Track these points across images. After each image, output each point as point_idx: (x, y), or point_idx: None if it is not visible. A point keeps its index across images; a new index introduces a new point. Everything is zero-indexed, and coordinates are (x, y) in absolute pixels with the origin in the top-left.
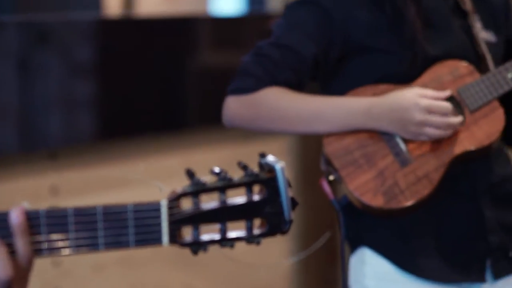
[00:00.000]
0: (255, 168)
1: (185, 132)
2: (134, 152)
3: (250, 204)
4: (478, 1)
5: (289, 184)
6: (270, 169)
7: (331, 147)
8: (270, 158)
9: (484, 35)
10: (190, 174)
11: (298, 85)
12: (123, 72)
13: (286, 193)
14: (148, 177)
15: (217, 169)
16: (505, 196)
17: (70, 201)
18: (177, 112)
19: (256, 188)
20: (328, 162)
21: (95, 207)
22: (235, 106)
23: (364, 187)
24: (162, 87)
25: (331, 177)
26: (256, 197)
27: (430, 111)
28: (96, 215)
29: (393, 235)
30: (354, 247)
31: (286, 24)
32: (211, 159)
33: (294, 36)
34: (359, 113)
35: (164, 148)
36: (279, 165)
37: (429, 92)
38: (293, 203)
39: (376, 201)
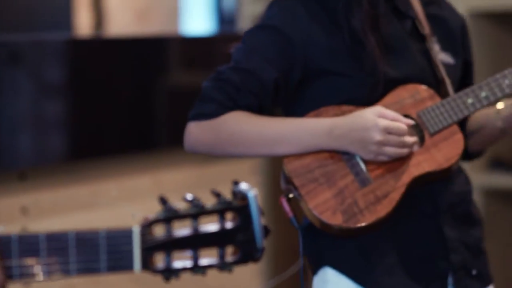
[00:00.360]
0: (226, 188)
1: (156, 152)
2: (105, 172)
3: (222, 231)
4: (436, 24)
5: (261, 212)
6: (243, 197)
7: (291, 166)
8: (243, 186)
9: (442, 57)
10: (163, 201)
11: (259, 110)
12: (93, 92)
13: (258, 221)
14: (119, 198)
15: (189, 196)
16: (465, 215)
17: (40, 222)
18: (147, 132)
19: (228, 215)
20: (288, 181)
21: (67, 233)
22: (196, 132)
23: (324, 205)
24: (132, 107)
25: (291, 195)
26: (228, 225)
27: (388, 131)
28: (68, 241)
29: (355, 254)
30: (316, 267)
31: (246, 48)
32: (182, 179)
33: (254, 61)
34: (320, 134)
35: (134, 168)
36: (252, 193)
37: (389, 112)
38: (266, 231)
39: (335, 219)
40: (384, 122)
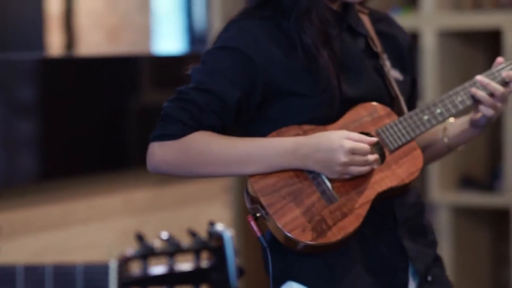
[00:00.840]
0: (197, 208)
1: (127, 171)
2: (76, 191)
3: (197, 270)
4: (386, 41)
5: (236, 253)
6: (219, 237)
7: (257, 185)
8: (219, 226)
9: (393, 74)
10: (139, 237)
11: (222, 129)
12: (64, 111)
13: (233, 262)
14: (90, 217)
15: (165, 235)
16: (420, 226)
17: (13, 241)
18: (118, 151)
19: (204, 255)
20: (255, 200)
21: (44, 266)
22: (161, 153)
23: (293, 223)
24: (103, 127)
25: (258, 214)
26: (204, 264)
27: (353, 152)
28: (45, 274)
29: (319, 267)
30: (280, 282)
31: (208, 69)
32: (153, 198)
33: (217, 82)
34: (286, 154)
35: (105, 187)
36: (227, 234)
37: (353, 134)
38: (240, 272)
39: (305, 237)
40: (349, 144)
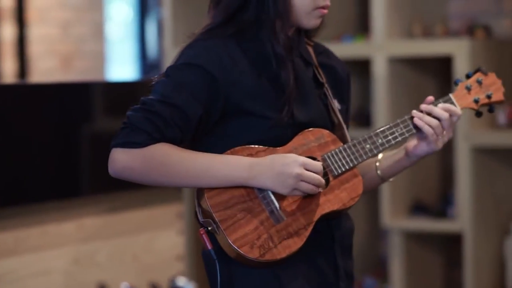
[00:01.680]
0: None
1: (79, 198)
2: (29, 218)
3: None
4: (327, 72)
5: None
6: None
7: (212, 201)
8: (181, 281)
9: (334, 103)
10: (101, 286)
11: (181, 142)
12: (17, 138)
13: None
14: (43, 244)
15: (125, 286)
16: (348, 247)
17: None
18: (71, 178)
19: None
20: (208, 215)
21: None
22: (125, 159)
23: (243, 239)
24: (56, 154)
25: (210, 228)
26: None
27: (306, 167)
28: None
29: (267, 279)
30: None
31: (174, 84)
32: (106, 225)
33: (182, 97)
34: (242, 170)
35: (58, 215)
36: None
37: (305, 158)
38: None
39: (252, 253)
40: (302, 158)
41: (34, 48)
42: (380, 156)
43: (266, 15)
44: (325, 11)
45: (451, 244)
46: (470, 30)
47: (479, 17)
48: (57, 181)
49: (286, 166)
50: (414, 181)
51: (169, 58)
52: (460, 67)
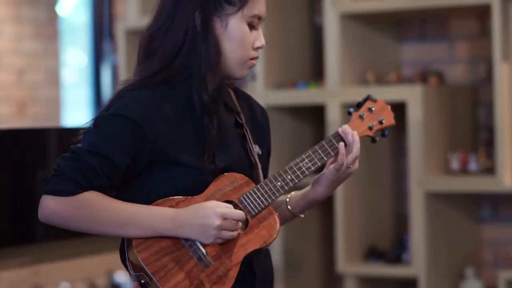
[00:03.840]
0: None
1: (35, 245)
2: None
3: None
4: (248, 117)
5: None
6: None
7: (142, 255)
8: (119, 277)
9: (254, 148)
10: None
11: (109, 190)
12: None
13: None
14: None
15: (65, 285)
16: (269, 283)
17: None
18: (26, 224)
19: None
20: (139, 269)
21: None
22: (53, 206)
23: None
24: (12, 200)
25: (143, 281)
26: None
27: (224, 217)
28: None
29: None
30: None
31: (102, 134)
32: (60, 271)
33: (109, 146)
34: (166, 221)
35: (12, 261)
36: (127, 285)
37: (223, 204)
38: None
39: None
40: (221, 209)
41: None
42: (289, 195)
43: (197, 65)
44: (254, 62)
45: None
46: (423, 77)
47: (432, 64)
48: (12, 227)
49: (206, 218)
50: (369, 226)
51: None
52: (414, 113)
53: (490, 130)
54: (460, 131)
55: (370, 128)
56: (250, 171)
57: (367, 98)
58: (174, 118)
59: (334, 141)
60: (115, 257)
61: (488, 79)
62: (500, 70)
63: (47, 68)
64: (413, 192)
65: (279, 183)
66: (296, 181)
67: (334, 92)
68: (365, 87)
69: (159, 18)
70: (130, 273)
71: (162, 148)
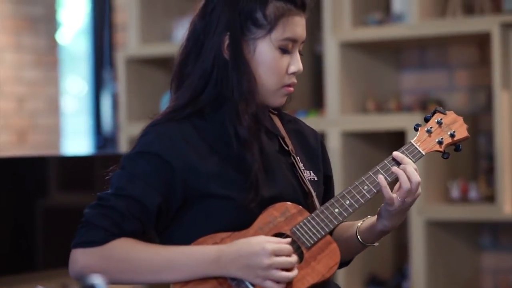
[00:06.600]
0: None
1: (33, 273)
2: None
3: None
4: (298, 141)
5: None
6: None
7: None
8: (94, 279)
9: (306, 174)
10: None
11: (143, 234)
12: None
13: None
14: None
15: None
16: None
17: None
18: (25, 252)
19: None
20: None
21: None
22: (84, 259)
23: None
24: (10, 228)
25: None
26: None
27: (276, 254)
28: None
29: None
30: None
31: (128, 174)
32: None
33: (137, 187)
34: (208, 262)
35: None
36: (100, 285)
37: (273, 239)
38: None
39: None
40: (271, 246)
41: None
42: (358, 223)
43: (229, 94)
44: (291, 89)
45: None
46: (423, 105)
47: (432, 92)
48: (11, 255)
49: (254, 257)
50: (369, 254)
51: (124, 132)
52: None
53: (490, 158)
54: (460, 159)
55: (440, 143)
56: (304, 200)
57: (435, 111)
58: (206, 149)
59: (393, 162)
60: (117, 285)
61: (488, 107)
62: (500, 98)
63: (47, 96)
64: (413, 220)
65: (336, 210)
66: (356, 206)
67: (334, 120)
68: (365, 115)
69: (188, 43)
70: None
71: (196, 182)
